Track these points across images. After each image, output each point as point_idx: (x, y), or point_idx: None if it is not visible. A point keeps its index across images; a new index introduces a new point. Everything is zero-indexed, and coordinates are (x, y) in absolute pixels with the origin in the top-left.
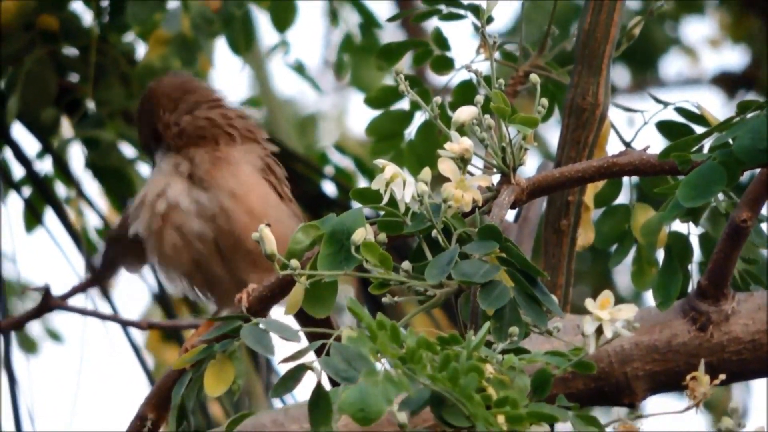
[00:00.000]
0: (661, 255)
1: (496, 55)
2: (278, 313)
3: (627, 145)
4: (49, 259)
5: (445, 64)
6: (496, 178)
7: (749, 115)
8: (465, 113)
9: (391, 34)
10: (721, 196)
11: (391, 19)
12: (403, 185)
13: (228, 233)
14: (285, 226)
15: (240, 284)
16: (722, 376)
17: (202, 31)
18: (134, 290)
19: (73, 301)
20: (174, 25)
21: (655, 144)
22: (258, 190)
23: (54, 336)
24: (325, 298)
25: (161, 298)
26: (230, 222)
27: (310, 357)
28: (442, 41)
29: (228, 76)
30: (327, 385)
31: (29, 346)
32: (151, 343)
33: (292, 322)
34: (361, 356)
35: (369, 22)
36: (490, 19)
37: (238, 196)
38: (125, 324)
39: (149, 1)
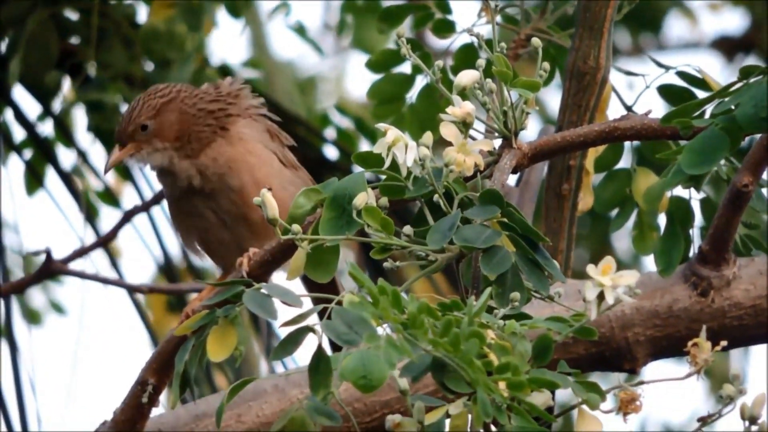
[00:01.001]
0: (662, 220)
1: (498, 18)
2: (281, 278)
3: (628, 109)
4: (50, 222)
5: (446, 28)
6: (497, 143)
7: (752, 80)
8: (466, 77)
9: None
10: (722, 161)
11: None
12: (404, 149)
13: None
14: (288, 193)
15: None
16: (723, 343)
17: None
18: (139, 260)
19: (75, 266)
20: None
21: (656, 108)
22: (259, 156)
23: (57, 308)
24: (328, 263)
25: (166, 269)
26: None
27: (312, 321)
28: (443, 4)
29: (228, 37)
30: (328, 349)
31: (33, 317)
32: (155, 312)
33: (295, 287)
34: (362, 320)
35: None
36: None
37: (239, 162)
38: (126, 288)
39: None
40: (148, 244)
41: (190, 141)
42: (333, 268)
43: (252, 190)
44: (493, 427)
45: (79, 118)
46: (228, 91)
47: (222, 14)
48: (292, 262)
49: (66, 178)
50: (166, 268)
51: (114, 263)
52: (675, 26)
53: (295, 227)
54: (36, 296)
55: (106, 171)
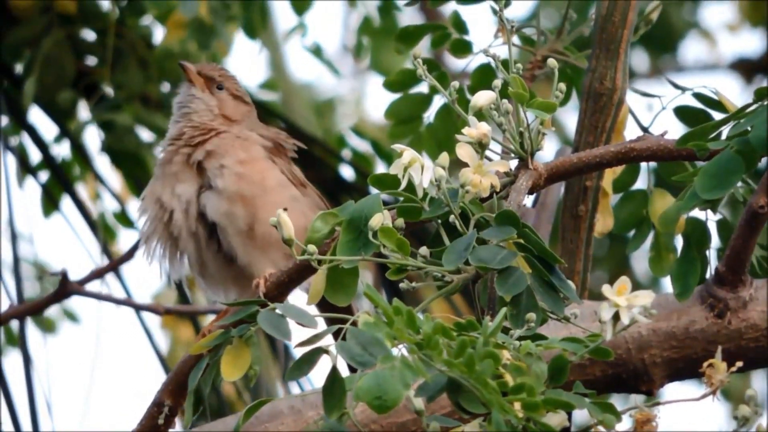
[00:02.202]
0: (678, 241)
1: (514, 39)
2: (297, 299)
3: (645, 130)
4: (65, 243)
5: (463, 48)
6: (513, 164)
7: (766, 103)
8: (483, 98)
9: (409, 17)
10: (738, 182)
11: (408, 4)
12: (421, 170)
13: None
14: (295, 208)
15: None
16: (739, 363)
17: (220, 16)
18: (148, 271)
19: (89, 286)
20: (191, 10)
21: (672, 129)
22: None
23: (71, 317)
24: (347, 286)
25: (180, 289)
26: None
27: (327, 342)
28: (460, 25)
29: (245, 59)
30: (344, 370)
31: (47, 326)
32: (166, 320)
33: (310, 308)
34: (377, 341)
35: (388, 5)
36: (508, 3)
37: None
38: (142, 309)
39: None
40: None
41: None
42: (353, 291)
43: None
44: None
45: (95, 139)
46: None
47: (240, 35)
48: (312, 285)
49: (80, 200)
50: (180, 288)
51: (123, 282)
52: (693, 48)
53: (311, 247)
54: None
55: (184, 67)
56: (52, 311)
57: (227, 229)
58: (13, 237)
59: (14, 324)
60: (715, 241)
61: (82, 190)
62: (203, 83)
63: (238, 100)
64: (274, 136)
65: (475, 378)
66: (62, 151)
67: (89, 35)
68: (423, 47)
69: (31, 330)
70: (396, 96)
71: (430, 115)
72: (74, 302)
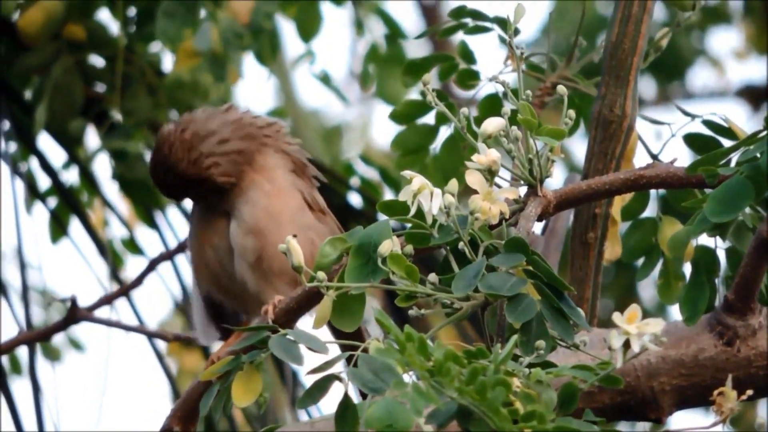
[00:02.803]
0: (687, 268)
1: (523, 66)
2: (306, 324)
3: (654, 157)
4: (74, 269)
5: (470, 77)
6: (523, 190)
7: None
8: (492, 125)
9: (416, 45)
10: (747, 209)
11: (418, 37)
12: (430, 197)
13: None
14: (307, 237)
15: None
16: (750, 392)
17: (233, 45)
18: (155, 297)
19: (98, 312)
20: (204, 43)
21: (682, 157)
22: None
23: (76, 345)
24: (354, 311)
25: (182, 306)
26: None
27: (337, 369)
28: (468, 55)
29: (254, 86)
30: (355, 397)
31: (53, 355)
32: (173, 348)
33: (320, 334)
34: (388, 368)
35: (395, 33)
36: (516, 31)
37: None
38: (151, 335)
39: (178, 18)
40: (170, 289)
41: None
42: (359, 317)
43: (264, 220)
44: None
45: (104, 165)
46: (266, 123)
47: (249, 62)
48: (318, 310)
49: (89, 226)
50: (182, 304)
51: (134, 307)
52: (701, 75)
53: (321, 274)
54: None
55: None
56: (59, 340)
57: (239, 259)
58: (22, 264)
59: (21, 352)
60: (723, 268)
61: (91, 216)
62: None
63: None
64: (297, 156)
65: (486, 405)
66: (71, 177)
67: (98, 62)
68: (431, 77)
69: (39, 358)
70: (402, 127)
71: (436, 147)
72: (82, 330)
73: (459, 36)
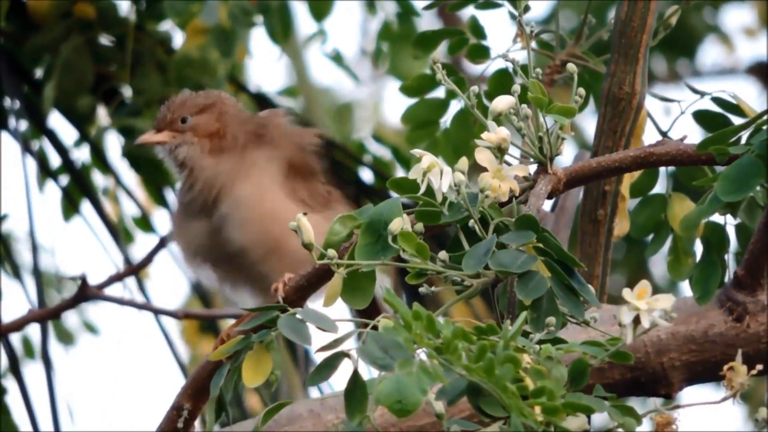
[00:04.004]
0: (697, 245)
1: (533, 44)
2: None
3: (664, 134)
4: (85, 248)
5: (481, 53)
6: (532, 168)
7: None
8: (502, 103)
9: (427, 22)
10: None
11: (427, 8)
12: (440, 175)
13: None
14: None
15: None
16: (759, 367)
17: (240, 21)
18: (173, 282)
19: (109, 291)
20: (212, 18)
21: (691, 134)
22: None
23: (90, 328)
24: (364, 289)
25: (200, 290)
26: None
27: (349, 346)
28: (478, 30)
29: (265, 65)
30: (364, 374)
31: (66, 338)
32: (188, 334)
33: (332, 312)
34: (397, 345)
35: (406, 11)
36: (526, 8)
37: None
38: (161, 313)
39: None
40: (182, 269)
41: (225, 137)
42: (369, 294)
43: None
44: None
45: (114, 143)
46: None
47: (258, 41)
48: (328, 288)
49: (100, 204)
50: (199, 288)
51: (142, 285)
52: (711, 52)
53: (331, 252)
54: (70, 317)
55: (136, 144)
56: (72, 323)
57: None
58: (33, 244)
59: (34, 335)
60: (733, 245)
61: (104, 199)
62: (167, 135)
63: (204, 112)
64: (296, 148)
65: (494, 382)
66: (82, 155)
67: (108, 41)
68: (441, 52)
69: (52, 342)
70: (413, 101)
71: (446, 120)
72: (94, 310)
73: (469, 10)
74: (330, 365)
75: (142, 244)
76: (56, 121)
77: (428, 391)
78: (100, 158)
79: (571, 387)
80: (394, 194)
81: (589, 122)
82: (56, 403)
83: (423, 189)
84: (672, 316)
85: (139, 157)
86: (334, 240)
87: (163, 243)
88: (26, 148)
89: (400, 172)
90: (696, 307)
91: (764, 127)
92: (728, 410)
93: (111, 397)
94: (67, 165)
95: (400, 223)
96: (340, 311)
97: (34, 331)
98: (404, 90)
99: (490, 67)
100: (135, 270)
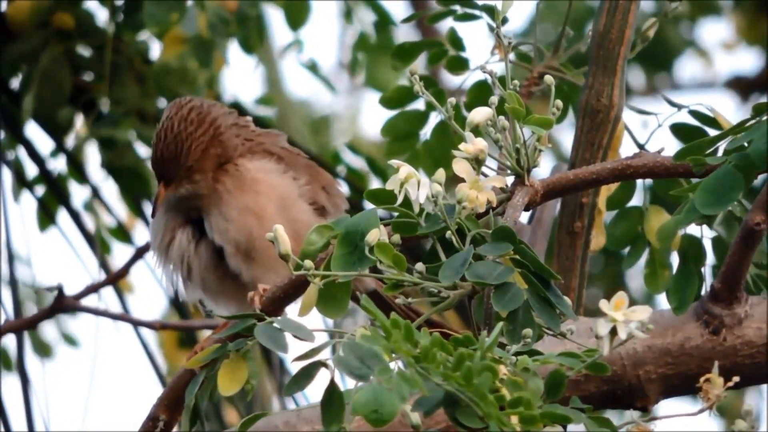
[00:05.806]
0: (673, 258)
1: (511, 55)
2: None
3: (641, 147)
4: (62, 258)
5: (459, 65)
6: (510, 180)
7: (765, 117)
8: (480, 114)
9: (405, 34)
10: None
11: (405, 20)
12: (417, 186)
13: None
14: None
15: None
16: (736, 379)
17: (219, 31)
18: (151, 295)
19: (86, 302)
20: (191, 27)
21: (669, 146)
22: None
23: (68, 339)
24: (339, 299)
25: (178, 304)
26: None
27: (324, 356)
28: (456, 41)
29: (241, 74)
30: (340, 384)
31: (44, 350)
32: (167, 347)
33: (307, 321)
34: (374, 354)
35: (384, 21)
36: (504, 20)
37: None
38: (138, 324)
39: (166, 2)
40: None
41: (225, 152)
42: (345, 305)
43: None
44: None
45: (92, 154)
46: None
47: (236, 51)
48: (304, 298)
49: (77, 214)
50: (177, 302)
51: (123, 300)
52: (689, 66)
53: (308, 263)
54: (47, 329)
55: (153, 215)
56: (50, 335)
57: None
58: (10, 254)
59: (10, 346)
60: (710, 258)
61: (79, 204)
62: (175, 185)
63: (206, 152)
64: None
65: (472, 392)
66: (58, 165)
67: (86, 51)
68: (420, 64)
69: (29, 354)
70: (392, 113)
71: (426, 132)
72: (74, 322)
73: (448, 22)
74: (307, 374)
75: (119, 255)
76: (32, 130)
77: (407, 399)
78: (76, 168)
79: (548, 398)
80: (368, 206)
81: (566, 135)
82: (32, 415)
83: (400, 200)
84: (649, 327)
85: (117, 168)
86: (310, 250)
87: (140, 253)
88: (2, 157)
89: (375, 184)
90: (672, 319)
91: (740, 135)
92: (705, 422)
93: (88, 409)
94: (44, 175)
95: (377, 234)
96: (315, 321)
97: (10, 341)
98: (384, 102)
99: (470, 78)
100: (112, 280)
